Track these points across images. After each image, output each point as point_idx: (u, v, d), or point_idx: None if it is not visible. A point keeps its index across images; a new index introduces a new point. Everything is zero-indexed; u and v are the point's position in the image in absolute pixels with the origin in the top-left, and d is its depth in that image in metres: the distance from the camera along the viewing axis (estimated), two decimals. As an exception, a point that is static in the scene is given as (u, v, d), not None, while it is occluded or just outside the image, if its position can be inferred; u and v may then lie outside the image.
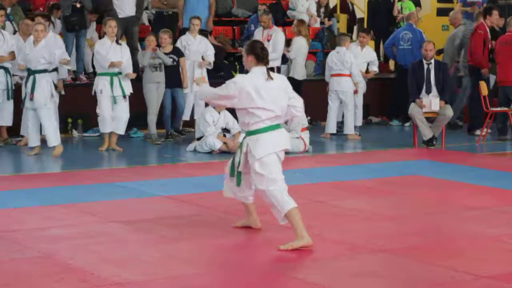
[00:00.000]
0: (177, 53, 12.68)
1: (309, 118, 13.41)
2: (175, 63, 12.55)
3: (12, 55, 11.75)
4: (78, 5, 13.39)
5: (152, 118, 12.44)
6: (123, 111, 11.70)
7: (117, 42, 11.68)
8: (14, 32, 12.59)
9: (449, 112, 12.03)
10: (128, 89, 11.71)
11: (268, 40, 13.51)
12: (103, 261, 6.09)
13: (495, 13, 13.59)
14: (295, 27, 14.02)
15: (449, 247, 6.67)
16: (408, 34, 14.48)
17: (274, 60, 13.59)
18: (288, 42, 14.46)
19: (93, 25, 14.19)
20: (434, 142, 12.00)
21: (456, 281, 5.72)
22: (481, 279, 5.73)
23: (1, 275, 5.74)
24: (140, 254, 6.32)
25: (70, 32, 13.41)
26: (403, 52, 14.44)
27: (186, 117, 13.10)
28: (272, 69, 13.38)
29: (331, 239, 6.86)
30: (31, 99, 10.86)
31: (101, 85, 11.64)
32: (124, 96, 11.63)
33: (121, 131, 11.78)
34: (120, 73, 11.61)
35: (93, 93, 11.72)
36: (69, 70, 12.82)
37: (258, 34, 13.76)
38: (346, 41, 13.31)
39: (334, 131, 13.31)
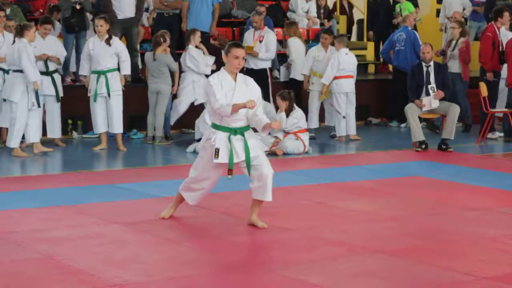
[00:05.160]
0: (174, 57, 12.66)
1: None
2: None
3: None
4: (78, 7, 13.40)
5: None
6: (112, 110, 11.73)
7: (107, 41, 11.66)
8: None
9: (455, 109, 11.93)
10: (117, 87, 11.71)
11: (260, 41, 13.51)
12: (103, 262, 6.09)
13: (506, 14, 13.51)
14: (287, 30, 14.05)
15: (449, 248, 6.67)
16: (403, 35, 14.49)
17: (268, 60, 13.62)
18: (284, 45, 14.48)
19: (92, 26, 14.17)
20: (423, 146, 11.91)
21: (456, 282, 5.72)
22: (481, 280, 5.73)
23: (2, 276, 5.74)
24: (140, 255, 6.32)
25: (70, 34, 13.41)
26: (398, 53, 14.45)
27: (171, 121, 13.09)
28: (265, 70, 13.50)
29: (331, 240, 6.86)
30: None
31: (90, 83, 11.76)
32: (109, 95, 11.65)
33: (115, 129, 11.79)
34: (109, 70, 11.62)
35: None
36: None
37: (249, 36, 13.77)
38: (343, 42, 13.26)
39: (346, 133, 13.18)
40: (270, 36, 13.66)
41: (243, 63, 7.18)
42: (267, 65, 13.62)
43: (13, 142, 11.16)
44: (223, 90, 7.02)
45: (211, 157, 7.05)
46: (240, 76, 7.18)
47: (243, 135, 7.09)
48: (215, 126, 7.12)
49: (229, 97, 7.02)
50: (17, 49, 11.02)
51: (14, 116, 11.11)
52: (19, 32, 11.09)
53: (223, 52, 7.22)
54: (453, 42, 13.81)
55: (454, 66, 13.74)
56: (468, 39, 14.13)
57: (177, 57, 13.02)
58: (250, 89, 7.15)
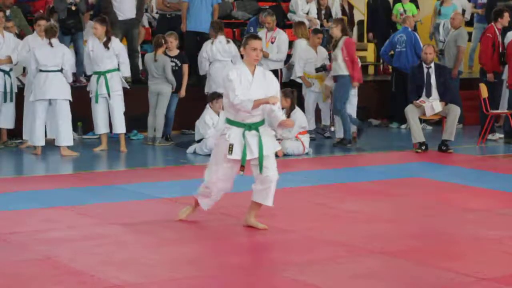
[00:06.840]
0: (181, 58, 12.64)
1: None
2: (176, 67, 12.52)
3: (9, 59, 11.79)
4: (73, 8, 13.33)
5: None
6: (113, 110, 11.74)
7: (105, 44, 11.65)
8: (15, 35, 12.57)
9: (456, 110, 11.90)
10: (117, 87, 11.72)
11: (272, 42, 13.52)
12: (103, 263, 6.10)
13: (506, 15, 13.48)
14: (295, 30, 14.03)
15: (449, 249, 6.67)
16: (403, 36, 14.51)
17: (280, 61, 13.63)
18: (289, 45, 14.46)
19: (89, 26, 14.15)
20: (423, 148, 11.90)
21: (456, 284, 5.72)
22: (481, 282, 5.73)
23: (2, 277, 5.74)
24: (140, 256, 6.32)
25: (66, 36, 13.35)
26: (399, 55, 14.46)
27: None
28: (276, 71, 13.50)
29: (331, 241, 6.86)
30: None
31: (90, 85, 11.80)
32: (109, 95, 11.66)
33: (118, 129, 11.79)
34: (109, 71, 11.63)
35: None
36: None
37: (261, 36, 13.74)
38: None
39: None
40: (282, 37, 13.68)
41: (261, 55, 7.10)
42: (279, 66, 13.62)
43: (71, 139, 11.40)
44: (242, 84, 6.96)
45: (225, 153, 6.98)
46: (259, 69, 7.10)
47: (257, 130, 7.01)
48: (230, 122, 7.05)
49: (246, 90, 6.94)
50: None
51: (68, 113, 11.34)
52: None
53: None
54: (334, 42, 12.40)
55: (336, 68, 12.37)
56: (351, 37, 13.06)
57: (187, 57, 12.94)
58: (268, 82, 7.07)
